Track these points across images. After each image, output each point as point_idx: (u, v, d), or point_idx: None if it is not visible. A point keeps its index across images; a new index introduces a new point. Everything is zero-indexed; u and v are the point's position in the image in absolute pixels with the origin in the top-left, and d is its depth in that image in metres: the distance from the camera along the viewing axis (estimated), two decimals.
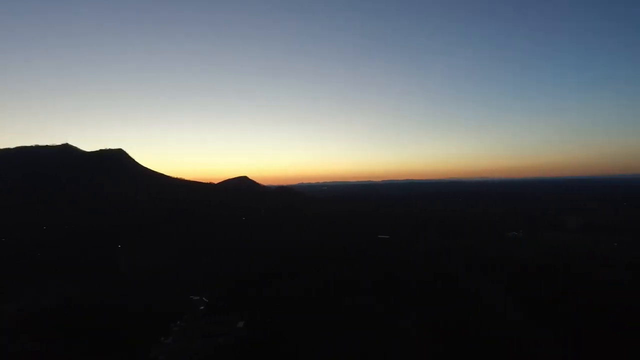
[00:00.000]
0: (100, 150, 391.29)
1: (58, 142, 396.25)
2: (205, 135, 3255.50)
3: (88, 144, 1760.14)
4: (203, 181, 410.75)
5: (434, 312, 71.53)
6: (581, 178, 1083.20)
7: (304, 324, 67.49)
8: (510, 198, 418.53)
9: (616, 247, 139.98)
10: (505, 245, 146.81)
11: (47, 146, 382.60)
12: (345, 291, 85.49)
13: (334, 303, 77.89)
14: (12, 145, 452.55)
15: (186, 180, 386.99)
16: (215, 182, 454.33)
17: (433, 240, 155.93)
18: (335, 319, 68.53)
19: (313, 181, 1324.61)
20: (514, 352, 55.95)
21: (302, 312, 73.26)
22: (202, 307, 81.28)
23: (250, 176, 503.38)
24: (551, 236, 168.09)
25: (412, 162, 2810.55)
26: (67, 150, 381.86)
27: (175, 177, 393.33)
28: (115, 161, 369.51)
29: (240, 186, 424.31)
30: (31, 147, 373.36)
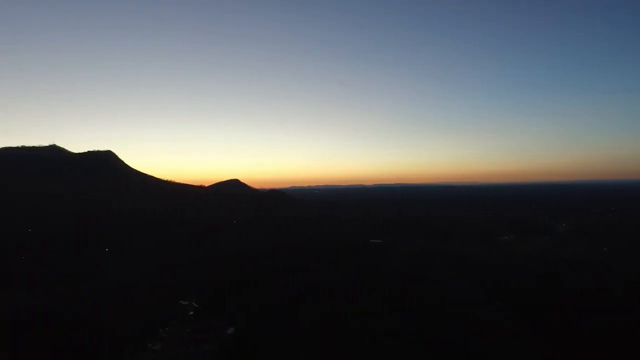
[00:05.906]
0: (89, 151, 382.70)
1: (45, 143, 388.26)
2: (198, 137, 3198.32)
3: (76, 145, 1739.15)
4: (194, 184, 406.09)
5: (412, 316, 71.34)
6: (577, 182, 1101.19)
7: (285, 330, 66.77)
8: (499, 202, 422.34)
9: (606, 252, 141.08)
10: (494, 248, 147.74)
11: (33, 147, 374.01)
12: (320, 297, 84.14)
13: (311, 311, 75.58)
14: None
15: (177, 183, 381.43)
16: (207, 184, 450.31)
17: (423, 244, 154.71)
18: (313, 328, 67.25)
19: (305, 184, 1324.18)
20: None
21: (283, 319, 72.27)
22: (191, 313, 79.85)
23: (241, 179, 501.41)
24: (541, 240, 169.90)
25: (402, 166, 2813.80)
26: (54, 151, 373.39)
27: (166, 179, 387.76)
28: (104, 163, 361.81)
29: (232, 189, 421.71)
30: (17, 147, 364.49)
